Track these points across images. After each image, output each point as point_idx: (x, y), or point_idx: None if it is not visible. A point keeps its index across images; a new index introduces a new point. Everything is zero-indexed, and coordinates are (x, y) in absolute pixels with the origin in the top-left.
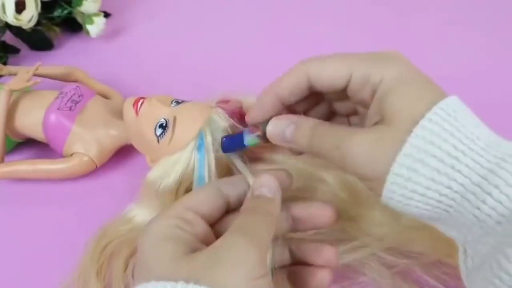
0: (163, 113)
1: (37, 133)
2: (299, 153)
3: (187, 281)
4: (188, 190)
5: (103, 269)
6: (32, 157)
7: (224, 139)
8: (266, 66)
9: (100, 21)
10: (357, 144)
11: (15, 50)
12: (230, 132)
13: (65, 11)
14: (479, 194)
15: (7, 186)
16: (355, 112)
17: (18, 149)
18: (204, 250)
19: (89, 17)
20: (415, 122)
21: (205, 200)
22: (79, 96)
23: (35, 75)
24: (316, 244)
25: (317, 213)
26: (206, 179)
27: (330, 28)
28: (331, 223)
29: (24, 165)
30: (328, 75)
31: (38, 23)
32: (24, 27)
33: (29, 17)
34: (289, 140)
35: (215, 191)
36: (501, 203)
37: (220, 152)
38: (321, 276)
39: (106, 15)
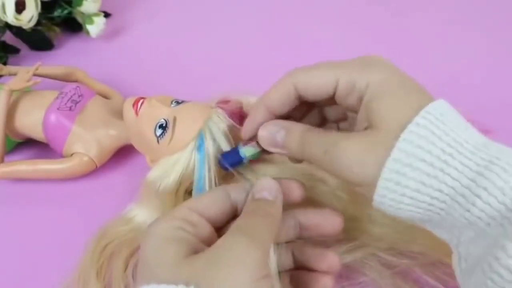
0: (163, 113)
1: (37, 133)
2: (298, 161)
3: (187, 284)
4: (188, 190)
5: (103, 269)
6: (32, 157)
7: (220, 156)
8: (266, 66)
9: (100, 21)
10: (345, 149)
11: (15, 50)
12: (229, 134)
13: (65, 11)
14: (468, 197)
15: (7, 186)
16: (344, 118)
17: (18, 149)
18: (205, 252)
19: (89, 17)
20: (403, 127)
21: (212, 203)
22: (79, 96)
23: (35, 75)
24: (320, 250)
25: (325, 221)
26: (206, 180)
27: (330, 28)
28: (339, 232)
29: (24, 165)
30: (315, 84)
31: (38, 23)
32: (24, 27)
33: (29, 17)
34: (280, 145)
35: (223, 195)
36: (490, 205)
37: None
38: (324, 282)
39: (106, 15)
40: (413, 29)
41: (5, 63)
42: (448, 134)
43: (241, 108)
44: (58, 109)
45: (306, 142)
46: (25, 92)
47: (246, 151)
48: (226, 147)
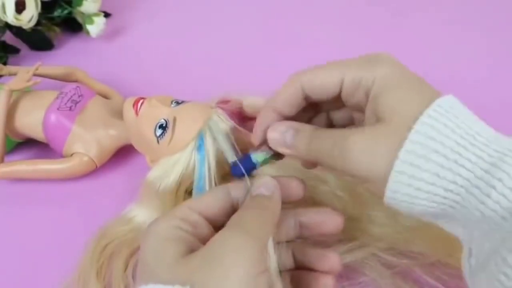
0: (163, 113)
1: (37, 133)
2: (313, 165)
3: (183, 284)
4: (188, 190)
5: (103, 269)
6: (32, 157)
7: (232, 163)
8: (266, 66)
9: (100, 21)
10: (354, 142)
11: (15, 50)
12: (231, 134)
13: (65, 11)
14: (483, 188)
15: (7, 186)
16: (351, 123)
17: (18, 149)
18: (200, 250)
19: (89, 17)
20: (414, 119)
21: (212, 202)
22: (79, 96)
23: (35, 75)
24: (321, 250)
25: (326, 220)
26: (207, 180)
27: (330, 28)
28: (339, 231)
29: (24, 165)
30: (321, 83)
31: (38, 23)
32: (24, 27)
33: (29, 17)
34: (289, 145)
35: (223, 194)
36: (504, 196)
37: (220, 152)
38: (325, 282)
39: (106, 15)
40: (413, 29)
41: (5, 63)
42: (460, 127)
43: (241, 108)
44: (58, 109)
45: (314, 140)
46: (25, 92)
47: (258, 156)
48: (226, 147)
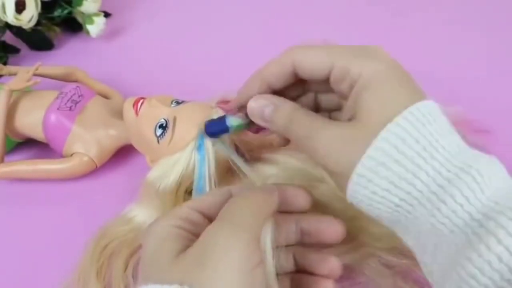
0: (163, 113)
1: (37, 133)
2: (285, 142)
3: (181, 284)
4: (188, 190)
5: (103, 269)
6: (32, 157)
7: (207, 122)
8: None
9: (100, 21)
10: (324, 137)
11: (15, 50)
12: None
13: (65, 11)
14: (435, 202)
15: (7, 186)
16: (338, 107)
17: (18, 149)
18: (193, 246)
19: (89, 17)
20: (384, 124)
21: (213, 202)
22: (79, 96)
23: (35, 75)
24: (321, 255)
25: (326, 228)
26: (207, 179)
27: (330, 28)
28: (339, 240)
29: (24, 165)
30: (311, 63)
31: (38, 23)
32: (24, 27)
33: (29, 17)
34: (267, 119)
35: (224, 194)
36: (455, 212)
37: (220, 151)
38: (325, 286)
39: (106, 15)
40: (413, 29)
41: (5, 63)
42: (426, 137)
43: None
44: (58, 109)
45: (293, 121)
46: (25, 92)
47: (233, 120)
48: (226, 146)
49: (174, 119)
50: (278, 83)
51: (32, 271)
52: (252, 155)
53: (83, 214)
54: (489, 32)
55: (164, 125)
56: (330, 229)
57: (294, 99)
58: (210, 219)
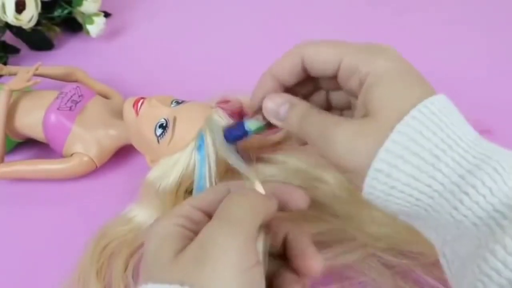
0: (163, 113)
1: (37, 133)
2: (303, 143)
3: (182, 284)
4: (188, 190)
5: (103, 269)
6: (32, 157)
7: (226, 128)
8: (266, 66)
9: (100, 21)
10: (339, 134)
11: (15, 50)
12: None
13: (65, 11)
14: (456, 194)
15: (7, 186)
16: (349, 106)
17: (18, 149)
18: (191, 245)
19: (89, 17)
20: (399, 118)
21: (214, 200)
22: (79, 96)
23: (35, 75)
24: (311, 250)
25: (292, 196)
26: (207, 179)
27: (330, 28)
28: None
29: (24, 165)
30: (320, 59)
31: (38, 23)
32: (24, 27)
33: (29, 17)
34: (281, 118)
35: (225, 192)
36: (477, 204)
37: (221, 151)
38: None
39: (106, 15)
40: (413, 29)
41: (5, 63)
42: (442, 130)
43: (241, 108)
44: (58, 109)
45: (306, 120)
46: (25, 92)
47: (251, 124)
48: (226, 146)
49: (174, 119)
50: (290, 79)
51: (32, 271)
52: (252, 155)
53: (83, 214)
54: (489, 32)
55: (164, 125)
56: (295, 197)
57: (305, 97)
58: (211, 216)
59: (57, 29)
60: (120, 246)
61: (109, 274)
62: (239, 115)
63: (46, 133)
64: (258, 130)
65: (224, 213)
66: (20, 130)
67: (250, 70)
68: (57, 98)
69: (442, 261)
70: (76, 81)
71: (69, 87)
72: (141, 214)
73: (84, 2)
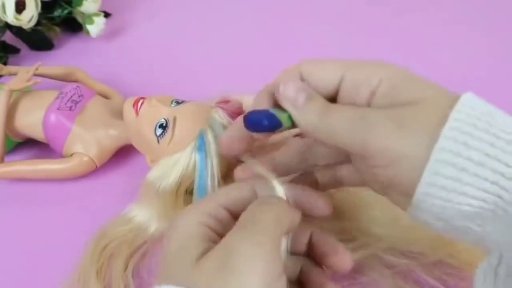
0: (163, 113)
1: (37, 133)
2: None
3: None
4: (188, 190)
5: (103, 269)
6: (32, 157)
7: (249, 114)
8: (266, 66)
9: (100, 21)
10: (386, 115)
11: (15, 50)
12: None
13: (65, 11)
14: None
15: (7, 186)
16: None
17: (18, 149)
18: (213, 252)
19: (89, 17)
20: (444, 107)
21: (239, 200)
22: (79, 96)
23: (35, 75)
24: (339, 247)
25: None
26: (208, 180)
27: (330, 28)
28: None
29: (24, 165)
30: (319, 75)
31: (38, 23)
32: (24, 27)
33: (29, 17)
34: (299, 106)
35: (250, 193)
36: None
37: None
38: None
39: (106, 15)
40: (413, 29)
41: (5, 63)
42: (495, 117)
43: (241, 108)
44: (58, 109)
45: (332, 110)
46: (25, 92)
47: (282, 117)
48: None
49: (174, 119)
50: None
51: (32, 271)
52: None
53: (83, 214)
54: (489, 32)
55: (164, 125)
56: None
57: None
58: (235, 216)
59: (57, 29)
60: (120, 246)
61: (109, 274)
62: (239, 115)
63: (46, 133)
64: (290, 123)
65: (250, 221)
66: (20, 130)
67: (250, 70)
68: (57, 98)
69: (492, 261)
70: (76, 81)
71: (69, 87)
72: (141, 214)
73: (84, 2)
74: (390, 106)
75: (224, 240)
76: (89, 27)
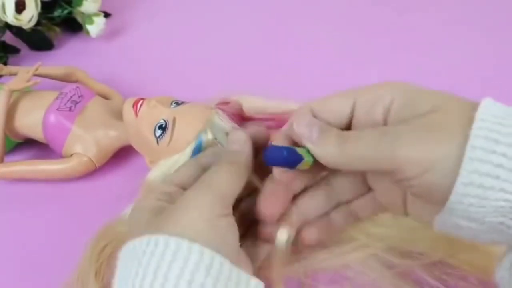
0: (162, 114)
1: (37, 133)
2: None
3: (152, 233)
4: None
5: (102, 269)
6: (32, 157)
7: (270, 149)
8: (267, 67)
9: (100, 21)
10: (409, 128)
11: (15, 50)
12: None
13: (65, 11)
14: None
15: (7, 186)
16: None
17: (18, 149)
18: (171, 205)
19: (89, 17)
20: (463, 115)
21: (184, 172)
22: (79, 96)
23: (35, 75)
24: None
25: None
26: None
27: (330, 28)
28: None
29: (24, 165)
30: (330, 108)
31: (38, 23)
32: (24, 27)
33: (29, 17)
34: (315, 140)
35: (193, 163)
36: None
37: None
38: None
39: (106, 15)
40: (413, 29)
41: (5, 63)
42: None
43: (241, 109)
44: (57, 109)
45: (347, 136)
46: (25, 92)
47: (302, 152)
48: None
49: (174, 120)
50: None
51: (31, 271)
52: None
53: (83, 214)
54: (489, 32)
55: (163, 126)
56: None
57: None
58: (183, 187)
59: (57, 29)
60: (120, 247)
61: (108, 275)
62: (239, 116)
63: (46, 133)
64: (310, 158)
65: (205, 179)
66: (20, 130)
67: (250, 71)
68: (57, 98)
69: (508, 260)
70: (76, 81)
71: (69, 88)
72: None
73: (84, 2)
74: (411, 118)
75: (179, 198)
76: (89, 27)
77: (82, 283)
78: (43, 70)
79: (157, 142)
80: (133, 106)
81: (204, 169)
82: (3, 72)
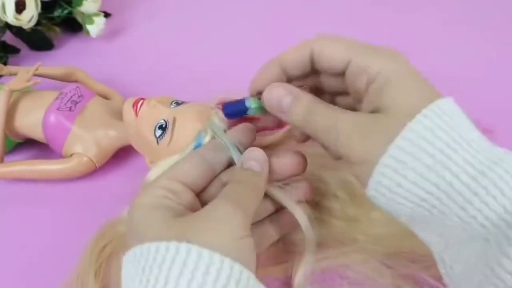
0: (162, 114)
1: (37, 133)
2: (305, 139)
3: (179, 240)
4: None
5: (101, 269)
6: (32, 157)
7: (225, 104)
8: None
9: (100, 21)
10: (348, 124)
11: (15, 50)
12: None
13: (65, 11)
14: (466, 195)
15: (7, 186)
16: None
17: (18, 149)
18: (192, 214)
19: (89, 17)
20: (411, 116)
21: (190, 170)
22: (79, 96)
23: (35, 75)
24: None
25: (287, 162)
26: None
27: (330, 28)
28: (303, 171)
29: (24, 165)
30: (329, 55)
31: (38, 23)
32: (24, 27)
33: (29, 17)
34: (284, 111)
35: (199, 160)
36: (487, 205)
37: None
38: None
39: (106, 15)
40: (413, 28)
41: (5, 63)
42: (454, 130)
43: None
44: (58, 109)
45: (313, 112)
46: (25, 92)
47: (252, 102)
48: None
49: (174, 120)
50: (295, 70)
51: (31, 271)
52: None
53: (83, 214)
54: (489, 32)
55: (163, 126)
56: (290, 162)
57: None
58: (188, 185)
59: (57, 29)
60: (119, 247)
61: (107, 275)
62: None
63: (46, 133)
64: (258, 110)
65: (230, 193)
66: (20, 130)
67: (250, 71)
68: (57, 98)
69: (441, 267)
70: (76, 81)
71: (69, 88)
72: None
73: (84, 2)
74: (370, 109)
75: (204, 207)
76: (89, 27)
77: (81, 283)
78: (43, 70)
79: (157, 142)
80: (133, 106)
81: (210, 168)
82: (3, 72)
